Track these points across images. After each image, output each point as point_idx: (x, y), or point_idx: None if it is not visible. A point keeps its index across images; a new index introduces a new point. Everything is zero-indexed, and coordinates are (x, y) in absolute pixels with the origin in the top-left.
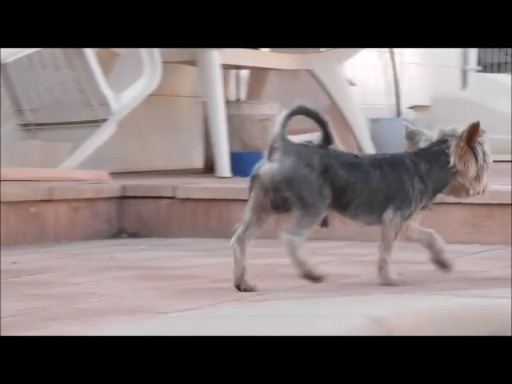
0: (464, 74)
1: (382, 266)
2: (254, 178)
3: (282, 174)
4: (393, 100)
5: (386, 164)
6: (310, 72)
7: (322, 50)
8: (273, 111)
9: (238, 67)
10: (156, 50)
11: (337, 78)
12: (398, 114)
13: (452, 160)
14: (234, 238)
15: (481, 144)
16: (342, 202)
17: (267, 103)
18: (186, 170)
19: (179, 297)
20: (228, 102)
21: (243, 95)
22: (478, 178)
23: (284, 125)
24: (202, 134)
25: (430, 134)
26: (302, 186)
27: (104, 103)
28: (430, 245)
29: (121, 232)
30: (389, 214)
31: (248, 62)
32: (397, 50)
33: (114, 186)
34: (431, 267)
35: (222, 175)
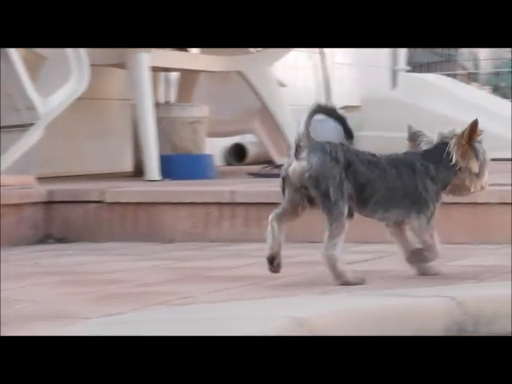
0: (394, 74)
1: (429, 258)
2: (285, 179)
3: (310, 171)
4: (324, 100)
5: (401, 164)
6: (239, 74)
7: (252, 51)
8: (203, 113)
9: (167, 69)
10: (83, 53)
11: (267, 80)
12: None
13: (454, 158)
14: (272, 216)
15: (480, 142)
16: (362, 197)
17: (197, 105)
18: (115, 173)
19: (103, 302)
20: (158, 105)
21: (173, 97)
22: (479, 174)
23: (308, 125)
24: (132, 137)
25: (430, 136)
26: (328, 181)
27: (31, 107)
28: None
29: (47, 237)
30: (415, 223)
31: (177, 65)
32: (327, 51)
33: (40, 191)
34: (355, 267)
35: (151, 178)
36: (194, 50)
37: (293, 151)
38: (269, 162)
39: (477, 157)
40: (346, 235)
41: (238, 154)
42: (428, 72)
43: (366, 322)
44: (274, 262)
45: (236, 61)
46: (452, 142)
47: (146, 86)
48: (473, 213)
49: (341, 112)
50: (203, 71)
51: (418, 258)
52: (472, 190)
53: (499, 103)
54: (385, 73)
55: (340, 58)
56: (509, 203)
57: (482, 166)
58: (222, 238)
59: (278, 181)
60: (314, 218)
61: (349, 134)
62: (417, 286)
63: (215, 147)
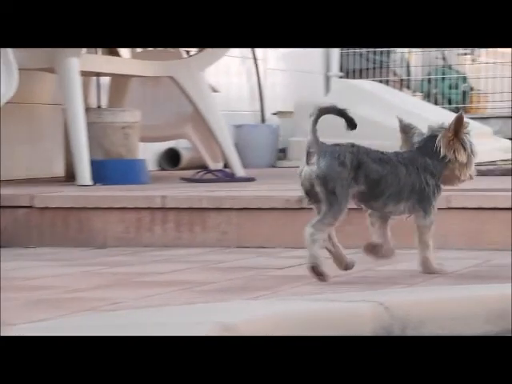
0: (327, 80)
1: (425, 263)
2: (302, 184)
3: (318, 172)
4: (257, 106)
5: (408, 161)
6: (171, 79)
7: (184, 56)
8: (135, 118)
9: (98, 74)
10: (11, 57)
11: (199, 85)
12: (263, 120)
13: (442, 150)
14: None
15: (467, 134)
16: (376, 192)
17: (129, 110)
18: (46, 178)
19: (32, 308)
20: (89, 110)
21: (105, 102)
22: (467, 164)
23: (315, 131)
24: (63, 142)
25: (421, 129)
26: (335, 182)
27: None
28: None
29: None
30: (420, 220)
31: (108, 69)
32: (260, 56)
33: None
34: (287, 272)
35: (82, 183)
36: (126, 55)
37: (304, 157)
38: (203, 167)
39: (464, 148)
40: (279, 240)
41: (171, 158)
42: (361, 78)
43: (294, 327)
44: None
45: (168, 66)
46: (440, 136)
47: (76, 91)
48: (403, 216)
49: (340, 106)
50: (135, 76)
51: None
52: (462, 179)
53: (431, 109)
54: (318, 79)
55: (273, 63)
56: (443, 208)
57: (469, 157)
58: (153, 243)
59: (211, 185)
60: (246, 223)
61: (352, 124)
62: (346, 291)
63: (149, 152)
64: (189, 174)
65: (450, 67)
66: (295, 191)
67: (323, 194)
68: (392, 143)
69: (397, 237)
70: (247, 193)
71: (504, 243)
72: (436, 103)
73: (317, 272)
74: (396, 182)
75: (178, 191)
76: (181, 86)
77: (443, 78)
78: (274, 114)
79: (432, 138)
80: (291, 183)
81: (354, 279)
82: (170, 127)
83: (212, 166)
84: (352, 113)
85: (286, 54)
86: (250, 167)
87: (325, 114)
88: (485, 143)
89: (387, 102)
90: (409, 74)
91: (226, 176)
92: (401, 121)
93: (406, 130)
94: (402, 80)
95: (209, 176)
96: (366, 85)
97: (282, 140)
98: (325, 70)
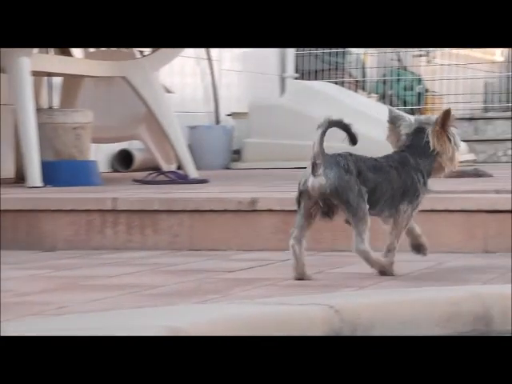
0: (282, 81)
1: (390, 250)
2: (302, 193)
3: (330, 185)
4: (211, 107)
5: (398, 164)
6: (124, 79)
7: (138, 56)
8: (87, 119)
9: (49, 74)
10: None
11: (152, 85)
12: (217, 121)
13: (431, 144)
14: (292, 240)
15: (452, 126)
16: (372, 200)
17: (81, 111)
18: None
19: None
20: (40, 110)
21: (56, 103)
22: (452, 156)
23: (321, 143)
24: (13, 143)
25: (409, 120)
26: (347, 192)
27: None
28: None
29: None
30: (404, 207)
31: (60, 69)
32: (215, 57)
33: None
34: (238, 275)
35: (32, 185)
36: (79, 55)
37: (309, 168)
38: (156, 168)
39: (450, 140)
40: (232, 243)
41: (124, 160)
42: (316, 79)
43: (242, 331)
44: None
45: (120, 66)
46: (428, 131)
47: (27, 91)
48: None
49: (346, 121)
50: (87, 76)
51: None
52: (446, 170)
53: (386, 111)
54: (273, 80)
55: (228, 64)
56: None
57: (454, 149)
58: (104, 245)
59: (163, 187)
60: (198, 226)
61: (353, 140)
62: (297, 294)
63: (101, 153)
64: (141, 175)
65: (405, 69)
66: (248, 193)
67: (342, 206)
68: (347, 145)
69: (349, 240)
70: (200, 195)
71: (456, 245)
72: (391, 105)
73: (388, 273)
74: (389, 188)
75: (129, 193)
76: (134, 87)
77: (398, 80)
78: (229, 115)
79: (419, 130)
80: (245, 185)
81: (305, 282)
82: (122, 128)
83: (165, 167)
84: (306, 114)
85: (240, 54)
86: (204, 169)
87: (333, 126)
88: None
89: (342, 103)
90: (364, 75)
91: (179, 178)
92: (391, 111)
93: (394, 120)
94: (357, 81)
95: (161, 178)
96: (321, 86)
97: (237, 141)
98: (280, 71)
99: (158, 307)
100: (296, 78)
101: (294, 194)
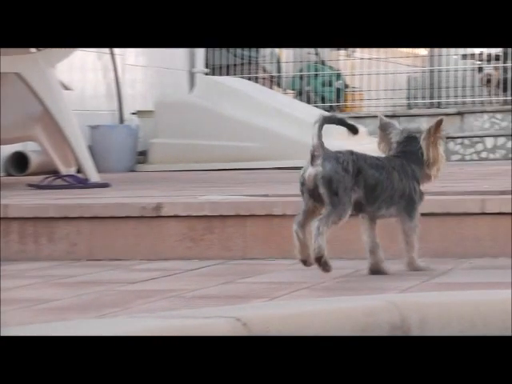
0: (191, 76)
1: (411, 263)
2: (302, 183)
3: (323, 173)
4: (115, 105)
5: (399, 167)
6: (18, 75)
7: (33, 50)
8: None
9: None
10: None
11: (48, 82)
12: (121, 120)
13: (425, 154)
14: (295, 226)
15: (442, 134)
16: (372, 197)
17: None
18: None
19: None
20: None
21: None
22: (441, 167)
23: (320, 136)
24: None
25: (399, 127)
26: (339, 185)
27: None
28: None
29: None
30: (406, 223)
31: None
32: (118, 51)
33: None
34: (141, 287)
35: None
36: None
37: (308, 159)
38: (54, 172)
39: (439, 150)
40: (135, 252)
41: (18, 163)
42: (228, 75)
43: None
44: (306, 264)
45: (13, 61)
46: (422, 140)
47: None
48: (268, 225)
49: (340, 116)
50: None
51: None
52: (432, 179)
53: (303, 108)
54: (182, 75)
55: (132, 59)
56: None
57: (444, 159)
58: None
59: (61, 192)
60: (98, 234)
61: (353, 130)
62: (203, 306)
63: None
64: (37, 179)
65: (323, 63)
66: (153, 198)
67: (327, 194)
68: (261, 145)
69: (261, 247)
70: (100, 200)
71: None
72: (309, 101)
73: (322, 263)
74: (390, 186)
75: (22, 199)
76: (28, 84)
77: (316, 75)
78: (134, 113)
79: (411, 138)
80: (150, 189)
81: (213, 293)
82: (16, 128)
83: (63, 170)
84: (217, 112)
85: (146, 48)
86: (107, 172)
87: (328, 122)
88: (359, 144)
89: (256, 100)
90: (279, 70)
91: (78, 182)
92: (381, 119)
93: (385, 127)
94: (272, 77)
95: (59, 182)
96: (234, 82)
97: (142, 142)
98: (189, 65)
99: (50, 323)
100: (206, 74)
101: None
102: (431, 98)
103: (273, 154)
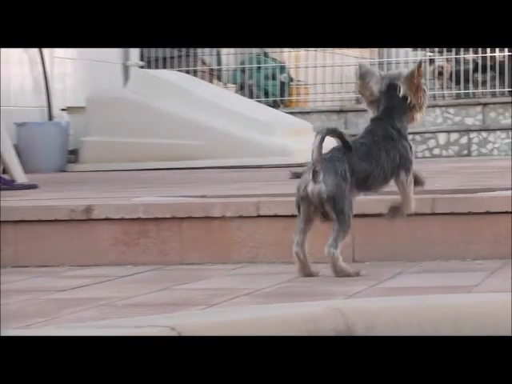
0: (125, 70)
1: (404, 211)
2: (303, 198)
3: (328, 193)
4: (43, 101)
5: (383, 141)
6: None
7: None
8: None
9: None
10: None
11: None
12: (50, 117)
13: (409, 98)
14: (295, 247)
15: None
16: (366, 185)
17: None
18: None
19: None
20: None
21: None
22: (424, 108)
23: (320, 150)
24: None
25: (379, 75)
26: (343, 200)
27: None
28: None
29: None
30: (403, 178)
31: None
32: None
33: None
34: (69, 295)
35: None
36: None
37: (310, 175)
38: None
39: (425, 92)
40: (64, 257)
41: None
42: (164, 68)
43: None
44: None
45: None
46: (404, 84)
47: None
48: (207, 228)
49: (346, 136)
50: None
51: (395, 212)
52: (418, 120)
53: (245, 103)
54: (115, 69)
55: (62, 51)
56: (252, 216)
57: (427, 100)
58: None
59: None
60: (24, 239)
61: (348, 147)
62: (135, 315)
63: None
64: None
65: (266, 55)
66: (83, 199)
67: (333, 213)
68: (200, 143)
69: (199, 252)
70: (26, 202)
71: (320, 254)
72: (251, 96)
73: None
74: (381, 172)
75: None
76: None
77: (259, 68)
78: (63, 109)
79: (392, 87)
80: (80, 190)
81: (148, 301)
82: None
83: None
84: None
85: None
86: (35, 172)
87: (329, 134)
88: (304, 141)
89: (194, 95)
90: (220, 63)
91: (4, 183)
92: (361, 67)
93: (364, 76)
94: (211, 70)
95: None
96: (171, 76)
97: (73, 140)
98: (123, 58)
99: None
100: (141, 67)
101: (293, 199)
102: None
103: (212, 152)
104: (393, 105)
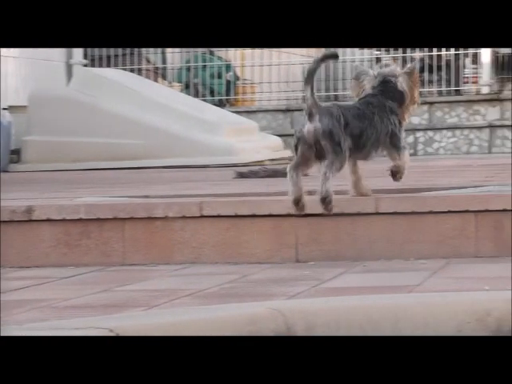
0: (68, 68)
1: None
2: (299, 138)
3: (324, 128)
4: None
5: (378, 109)
6: None
7: None
8: None
9: None
10: None
11: None
12: None
13: (407, 93)
14: (289, 167)
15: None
16: (360, 145)
17: None
18: None
19: None
20: None
21: None
22: (415, 106)
23: (313, 94)
24: None
25: (372, 74)
26: (339, 135)
27: None
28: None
29: None
30: (397, 153)
31: None
32: None
33: None
34: (9, 296)
35: None
36: None
37: (307, 116)
38: None
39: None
40: (3, 259)
41: None
42: (108, 66)
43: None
44: (299, 204)
45: None
46: (403, 79)
47: None
48: (149, 228)
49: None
50: None
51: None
52: (410, 112)
53: (191, 102)
54: (58, 67)
55: (4, 50)
56: (195, 216)
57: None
58: None
59: None
60: None
61: (334, 56)
62: (75, 316)
63: None
64: None
65: (211, 53)
66: (24, 200)
67: (329, 145)
68: (144, 142)
69: (141, 253)
70: None
71: (263, 255)
72: (197, 95)
73: (327, 203)
74: (374, 132)
75: None
76: None
77: (204, 66)
78: (5, 108)
79: (387, 81)
80: (21, 191)
81: (89, 302)
82: None
83: None
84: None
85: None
86: None
87: (327, 60)
88: (249, 141)
89: (139, 94)
90: (164, 61)
91: None
92: (357, 67)
93: (358, 76)
94: (156, 68)
95: None
96: (115, 74)
97: (15, 139)
98: (66, 56)
99: None
100: (85, 65)
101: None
102: (327, 90)
103: (156, 151)
104: (386, 90)
